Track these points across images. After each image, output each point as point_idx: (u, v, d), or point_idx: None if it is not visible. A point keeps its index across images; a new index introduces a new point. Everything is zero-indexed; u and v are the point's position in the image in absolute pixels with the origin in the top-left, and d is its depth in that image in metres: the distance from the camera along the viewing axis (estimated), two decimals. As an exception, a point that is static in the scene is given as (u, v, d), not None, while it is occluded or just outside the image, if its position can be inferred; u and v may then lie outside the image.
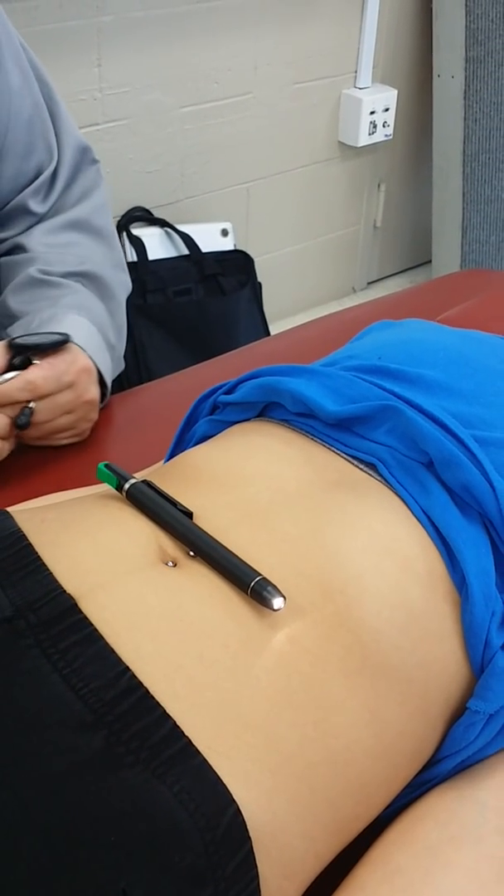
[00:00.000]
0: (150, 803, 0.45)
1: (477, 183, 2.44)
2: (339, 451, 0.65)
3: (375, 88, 2.37)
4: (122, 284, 1.11)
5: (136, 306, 1.88)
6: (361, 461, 0.64)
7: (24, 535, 0.56)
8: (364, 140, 2.39)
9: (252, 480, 0.62)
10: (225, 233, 2.11)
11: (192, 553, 0.56)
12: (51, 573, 0.53)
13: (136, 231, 2.00)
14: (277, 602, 0.52)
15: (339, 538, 0.57)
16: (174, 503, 0.59)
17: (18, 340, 0.89)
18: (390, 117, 2.41)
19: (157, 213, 2.08)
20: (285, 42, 2.16)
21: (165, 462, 0.79)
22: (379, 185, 2.61)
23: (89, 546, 0.56)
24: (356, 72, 2.34)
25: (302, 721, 0.50)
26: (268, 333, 2.12)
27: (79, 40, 1.81)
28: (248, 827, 0.46)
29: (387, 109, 2.39)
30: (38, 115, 1.03)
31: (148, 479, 0.62)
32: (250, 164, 2.26)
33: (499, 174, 2.43)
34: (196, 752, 0.47)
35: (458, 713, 0.57)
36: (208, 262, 2.01)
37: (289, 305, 2.52)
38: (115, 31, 1.85)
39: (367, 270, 2.75)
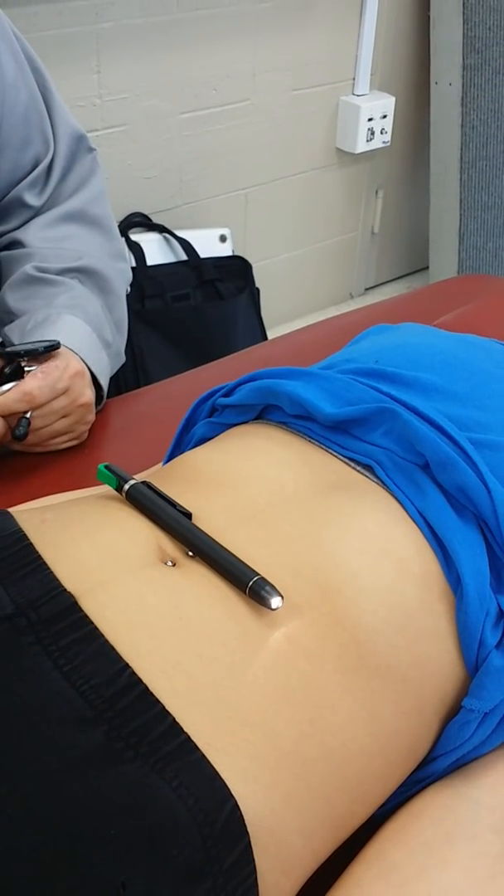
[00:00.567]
0: (149, 798, 0.45)
1: (474, 190, 2.45)
2: (336, 453, 0.66)
3: (373, 95, 2.39)
4: (122, 275, 1.10)
5: (135, 311, 1.89)
6: (358, 463, 0.65)
7: (24, 534, 0.57)
8: (362, 147, 2.40)
9: (250, 482, 0.63)
10: (223, 239, 2.12)
11: (191, 553, 0.57)
12: (51, 572, 0.54)
13: (135, 237, 2.01)
14: (275, 601, 0.52)
15: (335, 539, 0.57)
16: (173, 504, 0.59)
17: (8, 349, 0.90)
18: (388, 124, 2.42)
19: (155, 219, 2.09)
20: (283, 49, 2.17)
21: (164, 464, 0.79)
22: (377, 192, 2.62)
23: (89, 546, 0.56)
24: (354, 79, 2.36)
25: (299, 718, 0.51)
26: (265, 339, 2.13)
27: (78, 47, 1.82)
28: (246, 822, 0.47)
29: (384, 116, 2.40)
30: (33, 106, 1.03)
31: (147, 480, 0.63)
32: (248, 170, 2.26)
33: (496, 181, 2.44)
34: (195, 748, 0.47)
35: (453, 712, 0.58)
36: (206, 267, 2.01)
37: (287, 311, 2.53)
38: (114, 37, 1.86)
39: (365, 276, 2.76)
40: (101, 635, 0.50)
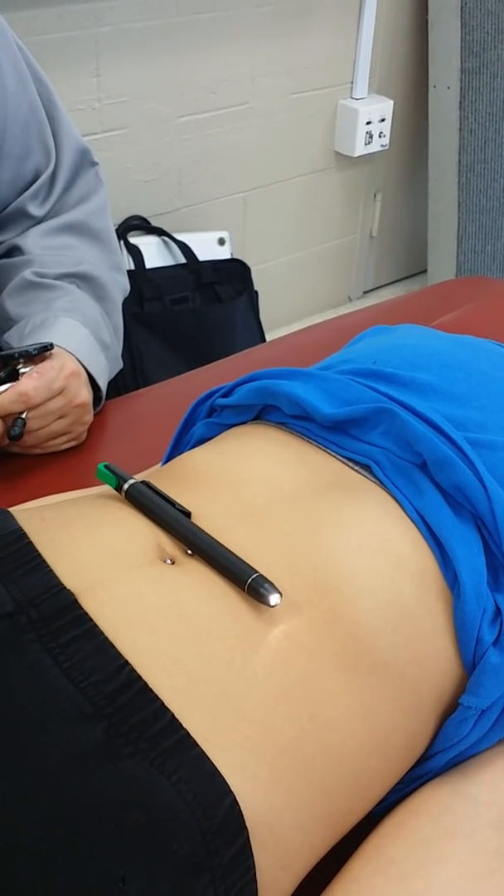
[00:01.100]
0: (149, 793, 0.45)
1: (472, 193, 2.46)
2: (334, 453, 0.66)
3: (371, 99, 2.39)
4: (119, 286, 1.11)
5: (134, 314, 1.89)
6: (356, 462, 0.65)
7: (24, 533, 0.57)
8: (360, 150, 2.40)
9: (249, 482, 0.63)
10: (222, 242, 2.12)
11: (190, 552, 0.57)
12: (51, 570, 0.54)
13: (134, 240, 2.01)
14: (274, 598, 0.53)
15: (334, 537, 0.58)
16: (172, 503, 0.60)
17: (3, 353, 0.91)
18: (386, 127, 2.43)
19: (154, 222, 2.10)
20: (282, 53, 2.17)
21: (163, 465, 0.80)
22: (375, 195, 2.62)
23: (89, 544, 0.57)
24: (352, 82, 2.36)
25: (298, 714, 0.52)
26: (264, 342, 2.14)
27: (77, 51, 1.83)
28: (245, 817, 0.47)
29: (383, 120, 2.41)
30: (34, 117, 1.04)
31: (146, 479, 0.63)
32: (247, 173, 2.27)
33: (494, 184, 2.45)
34: (194, 744, 0.48)
35: (451, 709, 0.58)
36: (205, 270, 2.02)
37: (285, 314, 2.53)
38: (113, 41, 1.87)
39: (363, 280, 2.76)
40: (101, 632, 0.51)
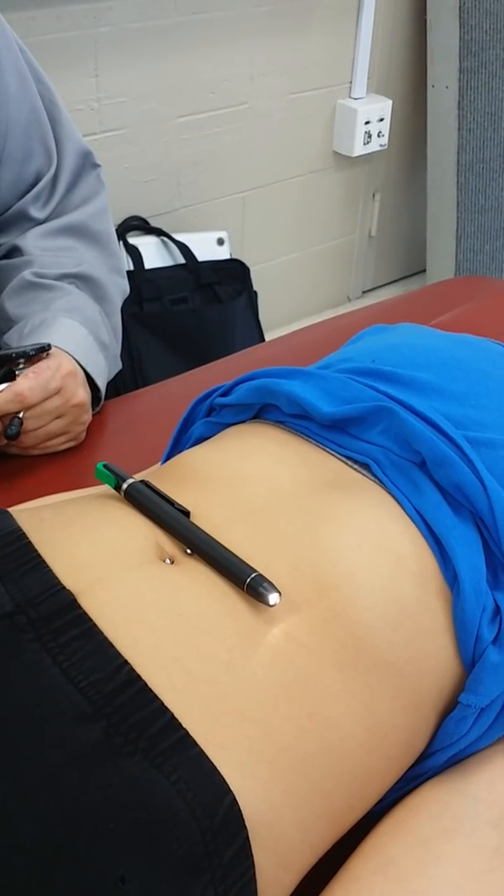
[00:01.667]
0: (148, 793, 0.45)
1: (471, 193, 2.46)
2: (333, 452, 0.66)
3: (370, 99, 2.39)
4: (118, 287, 1.11)
5: (133, 315, 1.89)
6: (355, 461, 0.65)
7: (23, 533, 0.57)
8: (359, 150, 2.40)
9: (248, 481, 0.63)
10: (221, 242, 2.12)
11: (189, 551, 0.57)
12: (50, 570, 0.54)
13: (133, 240, 2.01)
14: (273, 598, 0.53)
15: (333, 536, 0.58)
16: (171, 502, 0.60)
17: (1, 353, 0.91)
18: (385, 127, 2.43)
19: (153, 222, 2.10)
20: (281, 53, 2.17)
21: (162, 464, 0.80)
22: (374, 195, 2.62)
23: (88, 543, 0.57)
24: (351, 82, 2.36)
25: (297, 713, 0.52)
26: (263, 342, 2.14)
27: (76, 51, 1.83)
28: (245, 816, 0.47)
29: (381, 119, 2.41)
30: (35, 119, 1.04)
31: (145, 479, 0.63)
32: (246, 173, 2.27)
33: (493, 184, 2.45)
34: (193, 743, 0.48)
35: (451, 707, 0.58)
36: (204, 271, 2.02)
37: (284, 314, 2.53)
38: (111, 41, 1.87)
39: (363, 279, 2.76)
40: (100, 632, 0.51)
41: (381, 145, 2.46)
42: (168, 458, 0.79)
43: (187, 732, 0.48)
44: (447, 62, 2.34)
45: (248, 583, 0.53)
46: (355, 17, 2.28)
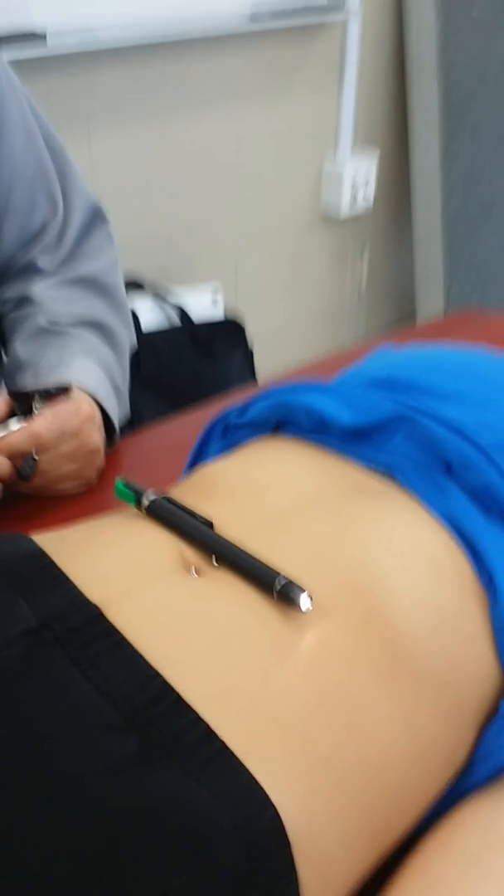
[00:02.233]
0: (188, 806, 0.43)
1: (458, 247, 2.51)
2: (354, 462, 0.65)
3: (355, 159, 2.44)
4: (128, 339, 1.11)
5: (132, 375, 1.90)
6: (377, 471, 0.64)
7: (44, 553, 0.56)
8: (346, 213, 2.45)
9: (269, 489, 0.62)
10: (215, 303, 2.14)
11: (215, 563, 0.56)
12: (74, 586, 0.53)
13: (130, 303, 2.03)
14: (305, 603, 0.51)
15: (362, 539, 0.56)
16: (193, 514, 0.58)
17: (20, 391, 0.90)
18: (370, 188, 2.49)
19: (147, 285, 2.12)
20: (266, 117, 2.23)
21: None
22: (362, 252, 2.67)
23: (112, 557, 0.55)
24: (336, 145, 2.42)
25: (335, 724, 0.50)
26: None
27: (69, 121, 1.87)
28: (287, 830, 0.45)
29: (367, 183, 2.47)
30: (41, 172, 1.04)
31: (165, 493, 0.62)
32: (237, 235, 2.31)
33: (477, 238, 2.50)
34: (231, 755, 0.46)
35: (490, 716, 0.56)
36: (200, 331, 2.04)
37: (277, 369, 2.55)
38: (103, 112, 1.91)
39: (354, 334, 2.80)
40: (130, 644, 0.49)
41: (367, 208, 2.51)
42: (185, 480, 0.78)
43: (225, 745, 0.46)
44: (429, 123, 2.40)
45: (278, 589, 0.52)
46: (337, 82, 2.34)
